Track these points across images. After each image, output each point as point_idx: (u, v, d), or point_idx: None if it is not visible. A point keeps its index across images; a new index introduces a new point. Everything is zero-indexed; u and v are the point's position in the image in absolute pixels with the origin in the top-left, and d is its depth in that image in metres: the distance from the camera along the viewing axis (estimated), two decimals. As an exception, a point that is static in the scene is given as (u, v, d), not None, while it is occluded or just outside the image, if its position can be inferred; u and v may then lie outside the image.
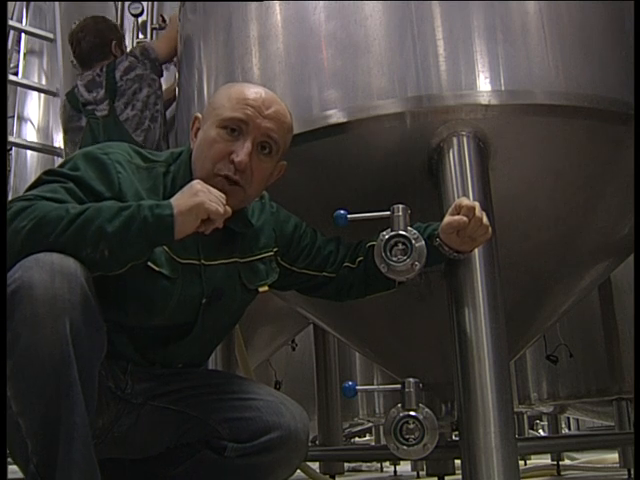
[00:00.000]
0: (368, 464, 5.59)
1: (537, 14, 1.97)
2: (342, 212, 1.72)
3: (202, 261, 1.63)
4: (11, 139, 4.34)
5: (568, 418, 8.18)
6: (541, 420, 8.67)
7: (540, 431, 8.91)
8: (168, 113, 3.05)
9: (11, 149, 4.59)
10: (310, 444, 2.17)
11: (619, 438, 3.34)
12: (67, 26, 4.15)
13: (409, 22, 1.94)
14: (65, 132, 3.15)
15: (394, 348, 2.48)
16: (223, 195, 1.47)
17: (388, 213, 1.69)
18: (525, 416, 6.24)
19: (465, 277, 1.80)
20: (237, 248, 1.70)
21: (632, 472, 3.49)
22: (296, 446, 1.65)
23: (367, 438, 8.34)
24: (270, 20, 2.09)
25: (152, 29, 3.53)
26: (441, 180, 1.90)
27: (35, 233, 1.36)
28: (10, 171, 4.63)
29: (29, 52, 4.92)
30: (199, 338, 1.68)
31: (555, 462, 4.12)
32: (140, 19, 3.63)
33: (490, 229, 1.70)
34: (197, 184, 1.46)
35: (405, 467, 5.14)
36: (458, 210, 1.67)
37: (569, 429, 8.56)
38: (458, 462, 1.94)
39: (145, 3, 3.57)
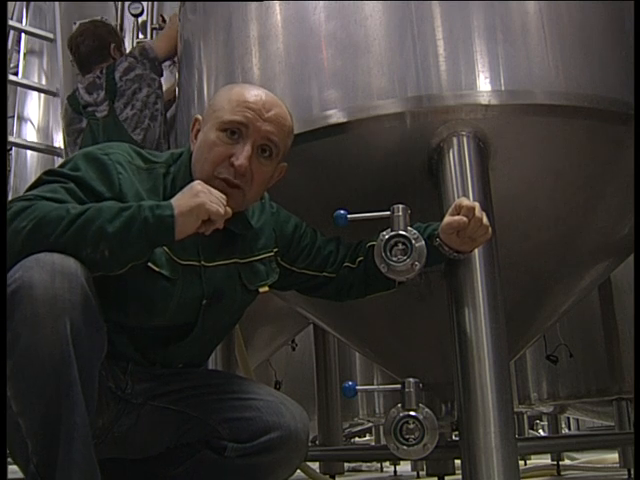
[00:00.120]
0: (368, 464, 5.59)
1: (537, 14, 1.97)
2: (342, 212, 1.72)
3: (202, 262, 1.63)
4: (11, 139, 4.34)
5: (568, 418, 8.18)
6: (541, 420, 8.67)
7: (540, 431, 8.91)
8: (168, 113, 3.05)
9: (11, 149, 4.59)
10: (310, 444, 2.17)
11: (619, 438, 3.34)
12: (67, 26, 4.16)
13: (409, 22, 1.94)
14: (66, 134, 3.16)
15: (394, 348, 2.48)
16: (224, 196, 1.47)
17: (388, 213, 1.69)
18: (525, 416, 6.24)
19: (465, 277, 1.80)
20: (237, 249, 1.70)
21: (632, 472, 3.49)
22: (296, 446, 1.65)
23: (367, 438, 8.34)
24: (270, 20, 2.09)
25: (152, 29, 3.54)
26: (441, 180, 1.90)
27: (35, 233, 1.36)
28: (10, 171, 4.63)
29: (29, 52, 4.92)
30: (199, 338, 1.68)
31: (555, 462, 4.12)
32: (140, 19, 3.64)
33: (490, 229, 1.70)
34: (198, 185, 1.46)
35: (405, 467, 5.14)
36: (458, 210, 1.67)
37: (569, 429, 8.56)
38: (458, 462, 1.94)
39: (145, 3, 3.58)
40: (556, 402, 3.92)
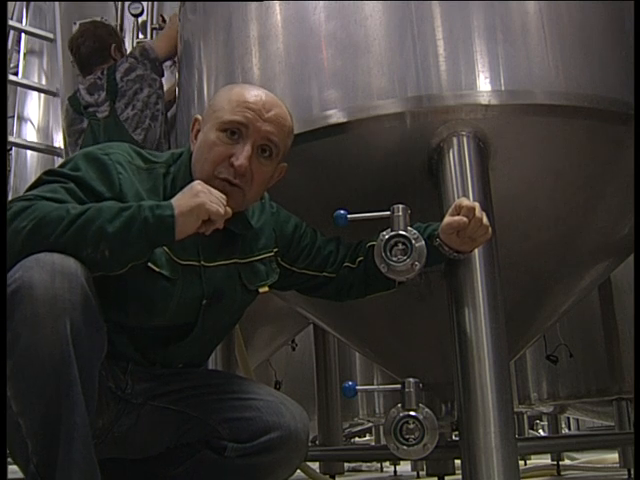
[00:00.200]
0: (368, 464, 5.59)
1: (537, 14, 1.97)
2: (342, 212, 1.72)
3: (202, 262, 1.63)
4: (11, 139, 4.34)
5: (568, 418, 8.17)
6: (541, 420, 8.67)
7: (540, 431, 8.91)
8: (169, 113, 3.05)
9: (11, 149, 4.59)
10: (310, 444, 2.17)
11: (619, 438, 3.34)
12: (67, 26, 4.16)
13: (409, 22, 1.94)
14: (67, 135, 3.16)
15: (394, 348, 2.48)
16: (224, 196, 1.47)
17: (388, 213, 1.69)
18: (525, 416, 6.24)
19: (465, 277, 1.80)
20: (237, 249, 1.70)
21: (632, 472, 3.49)
22: (296, 446, 1.65)
23: (367, 438, 8.34)
24: (270, 20, 2.09)
25: (152, 29, 3.54)
26: (441, 180, 1.90)
27: (35, 233, 1.36)
28: (10, 171, 4.63)
29: (29, 52, 4.92)
30: (199, 339, 1.68)
31: (555, 462, 4.12)
32: (140, 19, 3.64)
33: (490, 229, 1.70)
34: (198, 185, 1.46)
35: (405, 467, 5.14)
36: (458, 210, 1.67)
37: (569, 429, 8.56)
38: (458, 462, 1.94)
39: (145, 3, 3.58)
40: (556, 402, 3.92)
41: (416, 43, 1.92)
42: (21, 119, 4.78)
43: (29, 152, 4.52)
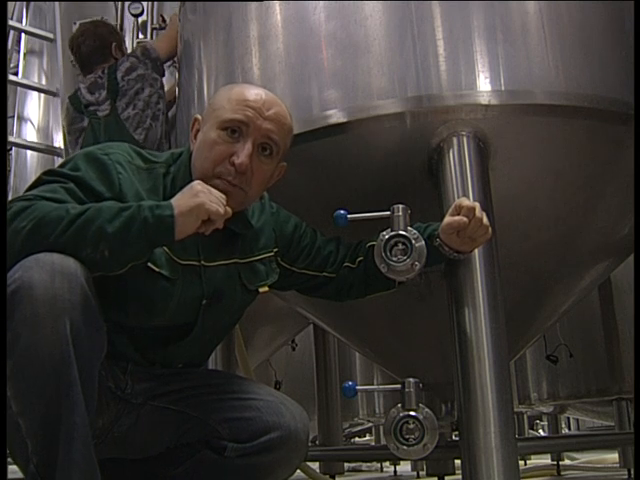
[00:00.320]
0: (368, 464, 5.59)
1: (537, 14, 1.97)
2: (342, 212, 1.72)
3: (202, 262, 1.63)
4: (11, 139, 4.34)
5: (568, 418, 8.17)
6: (541, 420, 8.67)
7: (540, 431, 8.91)
8: (169, 113, 3.05)
9: (11, 149, 4.59)
10: (310, 444, 2.17)
11: (619, 438, 3.34)
12: (67, 26, 4.16)
13: (409, 22, 1.94)
14: (67, 134, 3.16)
15: (394, 348, 2.48)
16: (223, 196, 1.47)
17: (388, 213, 1.69)
18: (525, 416, 6.24)
19: (465, 277, 1.80)
20: (237, 249, 1.70)
21: (632, 472, 3.49)
22: (296, 446, 1.65)
23: (367, 438, 8.34)
24: (270, 20, 2.09)
25: (152, 29, 3.54)
26: (441, 180, 1.90)
27: (35, 233, 1.36)
28: (10, 171, 4.63)
29: (29, 52, 4.92)
30: (199, 338, 1.68)
31: (555, 462, 4.12)
32: (140, 19, 3.64)
33: (490, 229, 1.70)
34: (197, 185, 1.46)
35: (405, 467, 5.14)
36: (458, 210, 1.67)
37: (569, 429, 8.56)
38: (458, 462, 1.94)
39: (145, 3, 3.58)
40: (556, 402, 3.92)
41: (416, 43, 1.92)
42: (21, 119, 4.78)
43: (29, 152, 4.52)
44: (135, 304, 1.58)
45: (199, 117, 1.69)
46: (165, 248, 1.56)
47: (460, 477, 1.79)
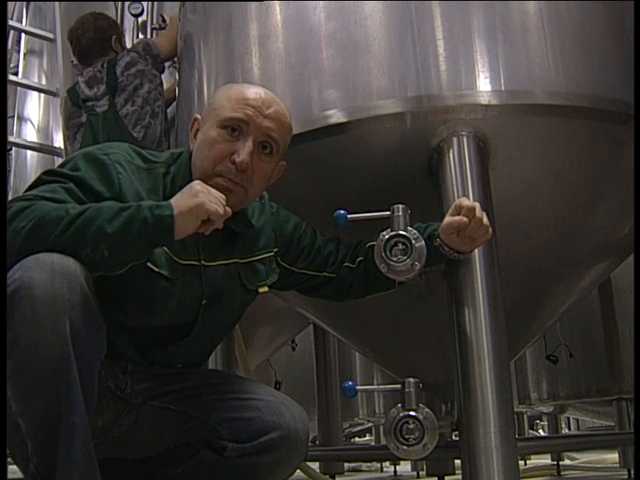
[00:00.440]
0: (368, 464, 5.59)
1: (537, 14, 1.97)
2: (342, 212, 1.72)
3: (202, 262, 1.63)
4: (11, 139, 4.34)
5: (568, 418, 8.18)
6: (541, 420, 8.67)
7: (540, 431, 8.91)
8: (168, 112, 3.04)
9: (11, 149, 4.59)
10: (310, 444, 2.17)
11: (619, 438, 3.34)
12: (67, 26, 4.14)
13: (409, 22, 1.94)
14: (65, 128, 3.14)
15: (394, 348, 2.48)
16: (223, 196, 1.47)
17: (388, 213, 1.69)
18: (525, 416, 6.24)
19: (465, 277, 1.80)
20: (237, 249, 1.70)
21: (632, 472, 3.49)
22: (296, 446, 1.65)
23: (367, 438, 8.34)
24: (270, 20, 2.09)
25: (152, 29, 3.53)
26: (441, 180, 1.90)
27: (35, 233, 1.36)
28: (10, 171, 4.63)
29: (29, 52, 4.92)
30: (199, 338, 1.68)
31: (555, 462, 4.12)
32: (140, 19, 3.63)
33: (490, 229, 1.70)
34: (197, 185, 1.46)
35: (405, 467, 5.14)
36: (458, 210, 1.67)
37: (569, 429, 8.56)
38: (458, 462, 1.94)
39: (145, 3, 3.57)
40: (556, 402, 3.92)
41: (416, 43, 1.92)
42: (21, 119, 4.78)
43: (29, 152, 4.52)
44: (135, 304, 1.58)
45: (198, 117, 1.69)
46: (165, 248, 1.56)
47: (460, 477, 1.79)
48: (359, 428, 7.17)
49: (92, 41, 3.11)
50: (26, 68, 4.89)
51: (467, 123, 1.89)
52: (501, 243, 1.88)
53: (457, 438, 1.90)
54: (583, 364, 3.60)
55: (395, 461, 4.91)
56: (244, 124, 1.58)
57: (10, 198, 1.57)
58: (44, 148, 4.37)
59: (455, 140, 1.89)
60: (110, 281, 1.46)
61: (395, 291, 1.83)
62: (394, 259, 1.66)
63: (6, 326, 1.28)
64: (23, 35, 4.90)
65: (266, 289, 1.76)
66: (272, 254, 1.77)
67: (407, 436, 1.66)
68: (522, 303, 2.26)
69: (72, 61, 3.48)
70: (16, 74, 4.88)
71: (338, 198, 1.98)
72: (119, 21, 3.92)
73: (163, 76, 3.07)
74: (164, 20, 3.45)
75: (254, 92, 1.63)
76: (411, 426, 1.66)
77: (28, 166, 4.57)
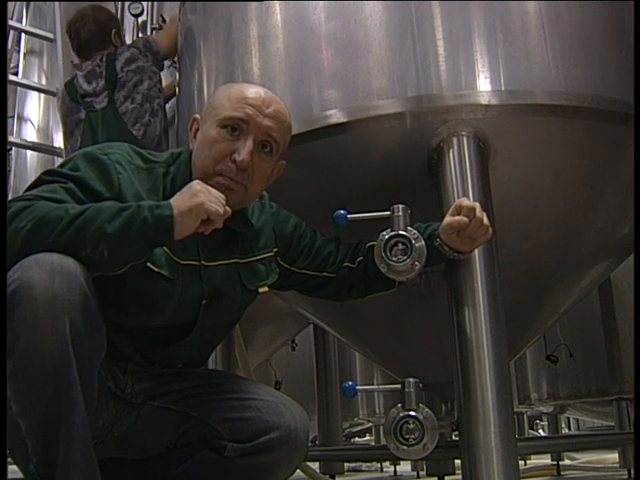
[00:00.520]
0: (368, 464, 5.58)
1: (537, 14, 1.97)
2: (342, 212, 1.72)
3: (202, 262, 1.63)
4: (11, 139, 4.34)
5: (568, 418, 8.18)
6: (541, 420, 8.67)
7: (540, 431, 8.91)
8: (167, 110, 3.03)
9: (11, 149, 4.59)
10: (310, 444, 2.18)
11: (619, 438, 3.33)
12: (67, 26, 4.15)
13: (409, 22, 1.94)
14: (63, 124, 3.11)
15: (394, 348, 2.47)
16: (223, 195, 1.47)
17: (388, 213, 1.69)
18: (525, 416, 6.24)
19: (465, 277, 1.80)
20: (237, 249, 1.70)
21: (632, 472, 3.49)
22: (296, 446, 1.65)
23: (367, 438, 8.34)
24: (270, 20, 2.09)
25: (152, 29, 3.53)
26: (441, 180, 1.90)
27: (34, 233, 1.36)
28: (10, 171, 4.64)
29: (29, 52, 4.93)
30: (199, 338, 1.68)
31: (555, 462, 4.11)
32: (140, 19, 3.63)
33: (490, 229, 1.70)
34: (197, 184, 1.46)
35: (405, 467, 5.14)
36: (458, 211, 1.67)
37: (569, 429, 8.56)
38: (458, 462, 1.94)
39: (145, 3, 3.57)
40: (556, 402, 3.92)
41: (416, 43, 1.92)
42: (21, 119, 4.79)
43: (29, 152, 4.52)
44: (135, 304, 1.58)
45: (198, 117, 1.69)
46: (165, 248, 1.56)
47: (460, 477, 1.79)
48: (359, 428, 7.17)
49: (92, 34, 3.07)
50: (26, 68, 4.90)
51: (467, 123, 1.88)
52: (501, 243, 1.88)
53: (457, 438, 1.90)
54: (583, 364, 3.60)
55: (395, 461, 4.91)
56: (244, 123, 1.58)
57: (10, 198, 1.57)
58: (44, 148, 4.38)
59: (455, 140, 1.89)
60: (110, 281, 1.46)
61: (395, 291, 1.83)
62: (394, 259, 1.66)
63: (6, 326, 1.28)
64: (23, 35, 4.91)
65: (266, 289, 1.76)
66: (272, 254, 1.77)
67: (407, 436, 1.66)
68: (522, 303, 2.26)
69: (72, 61, 3.47)
70: (16, 74, 4.89)
71: (338, 198, 1.98)
72: (119, 21, 3.92)
73: (162, 74, 3.06)
74: (164, 20, 3.44)
75: (254, 91, 1.63)
76: (411, 426, 1.66)
77: (28, 166, 4.58)
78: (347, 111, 1.94)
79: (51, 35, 4.32)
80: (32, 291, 1.28)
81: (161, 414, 1.65)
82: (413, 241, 1.65)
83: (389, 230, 1.68)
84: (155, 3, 3.59)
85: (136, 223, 1.39)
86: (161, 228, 1.40)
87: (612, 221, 2.25)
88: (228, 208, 1.46)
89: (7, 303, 1.29)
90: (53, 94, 4.28)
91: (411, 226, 1.68)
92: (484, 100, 1.88)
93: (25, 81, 4.67)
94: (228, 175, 1.56)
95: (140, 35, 3.60)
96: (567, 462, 4.60)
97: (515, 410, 3.86)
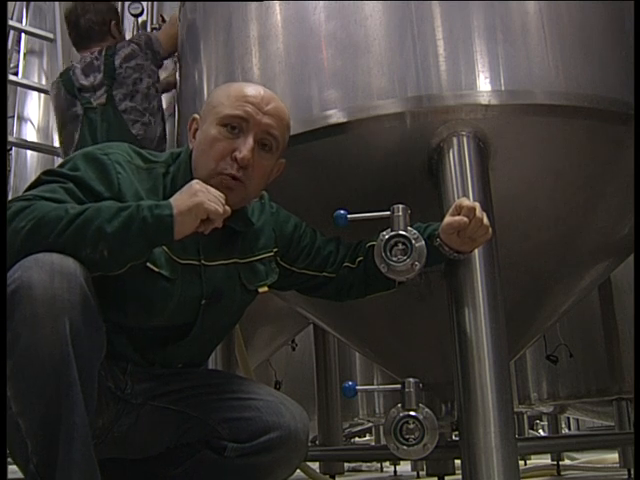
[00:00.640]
0: (368, 464, 5.59)
1: (537, 14, 1.97)
2: (342, 212, 1.72)
3: (202, 262, 1.63)
4: (11, 139, 4.35)
5: (568, 418, 8.18)
6: (541, 420, 8.68)
7: (540, 431, 8.91)
8: (164, 108, 3.02)
9: (11, 149, 4.60)
10: (310, 444, 2.18)
11: (619, 438, 3.33)
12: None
13: (409, 22, 1.94)
14: (57, 115, 3.00)
15: (394, 348, 2.47)
16: (222, 195, 1.47)
17: (388, 213, 1.69)
18: (525, 416, 6.24)
19: (465, 277, 1.80)
20: (237, 249, 1.70)
21: (632, 472, 3.49)
22: (296, 446, 1.65)
23: (367, 438, 8.34)
24: (270, 20, 2.09)
25: (152, 29, 3.53)
26: (441, 180, 1.90)
27: (34, 233, 1.36)
28: (10, 171, 4.64)
29: (29, 52, 4.93)
30: (198, 338, 1.68)
31: (555, 462, 4.12)
32: (140, 19, 3.62)
33: (490, 229, 1.70)
34: (196, 184, 1.46)
35: (405, 467, 5.14)
36: (458, 211, 1.67)
37: (569, 429, 8.56)
38: (458, 462, 1.94)
39: (145, 3, 3.56)
40: (556, 402, 3.92)
41: (416, 43, 1.92)
42: (21, 119, 4.79)
43: (29, 152, 4.52)
44: (134, 304, 1.58)
45: (197, 116, 1.69)
46: (165, 248, 1.56)
47: (460, 477, 1.79)
48: (359, 428, 7.17)
49: (92, 23, 3.00)
50: (26, 68, 4.90)
51: (467, 123, 1.89)
52: (501, 243, 1.88)
53: (457, 438, 1.90)
54: (583, 364, 3.60)
55: (395, 461, 4.91)
56: (244, 121, 1.58)
57: (10, 198, 1.58)
58: (44, 148, 4.38)
59: (455, 140, 1.89)
60: (109, 281, 1.46)
61: (395, 291, 1.83)
62: (394, 259, 1.66)
63: (6, 326, 1.28)
64: (23, 35, 4.91)
65: (266, 289, 1.76)
66: (272, 254, 1.77)
67: (407, 436, 1.66)
68: (522, 303, 2.26)
69: (72, 62, 3.47)
70: (16, 74, 4.89)
71: (338, 198, 1.98)
72: (119, 21, 3.92)
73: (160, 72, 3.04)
74: (164, 20, 3.44)
75: (253, 89, 1.64)
76: (411, 426, 1.66)
77: (28, 166, 4.58)
78: (347, 111, 1.94)
79: (51, 35, 4.32)
80: (32, 291, 1.28)
81: (161, 414, 1.65)
82: (413, 241, 1.65)
83: (389, 230, 1.68)
84: (155, 3, 3.58)
85: (136, 223, 1.39)
86: (161, 228, 1.40)
87: (612, 221, 2.25)
88: (228, 207, 1.46)
89: (7, 303, 1.29)
90: (53, 94, 4.28)
91: (411, 226, 1.68)
92: (484, 100, 1.88)
93: (25, 81, 4.67)
94: (229, 173, 1.56)
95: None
96: (567, 462, 4.60)
97: (515, 410, 3.85)
